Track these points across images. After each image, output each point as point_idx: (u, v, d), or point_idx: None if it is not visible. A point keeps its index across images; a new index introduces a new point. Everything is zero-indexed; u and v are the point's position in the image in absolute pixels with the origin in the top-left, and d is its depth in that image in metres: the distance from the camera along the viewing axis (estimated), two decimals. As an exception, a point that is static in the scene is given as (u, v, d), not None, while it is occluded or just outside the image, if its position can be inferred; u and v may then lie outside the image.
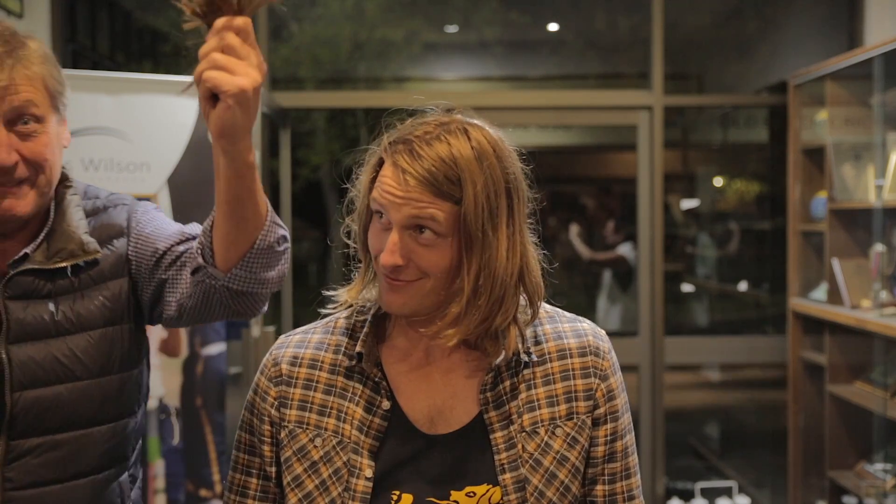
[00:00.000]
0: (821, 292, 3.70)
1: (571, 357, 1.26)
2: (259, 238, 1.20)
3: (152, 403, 2.86)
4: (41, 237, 1.33)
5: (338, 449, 1.22)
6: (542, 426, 1.23)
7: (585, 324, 1.31)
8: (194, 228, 1.40)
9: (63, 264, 1.32)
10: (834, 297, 3.57)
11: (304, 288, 4.39)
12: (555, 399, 1.24)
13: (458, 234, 1.14)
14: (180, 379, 2.96)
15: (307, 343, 1.29)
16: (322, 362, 1.26)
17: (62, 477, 1.31)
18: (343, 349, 1.27)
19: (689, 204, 6.00)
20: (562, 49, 5.20)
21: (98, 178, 2.75)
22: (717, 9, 5.13)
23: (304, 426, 1.24)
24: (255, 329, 3.23)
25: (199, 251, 1.24)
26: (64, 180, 1.40)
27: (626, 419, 1.29)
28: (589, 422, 1.26)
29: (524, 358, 1.24)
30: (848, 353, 3.60)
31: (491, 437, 1.22)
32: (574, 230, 5.32)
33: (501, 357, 1.21)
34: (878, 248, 3.33)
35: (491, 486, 1.21)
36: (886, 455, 3.41)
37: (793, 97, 3.82)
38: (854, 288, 3.50)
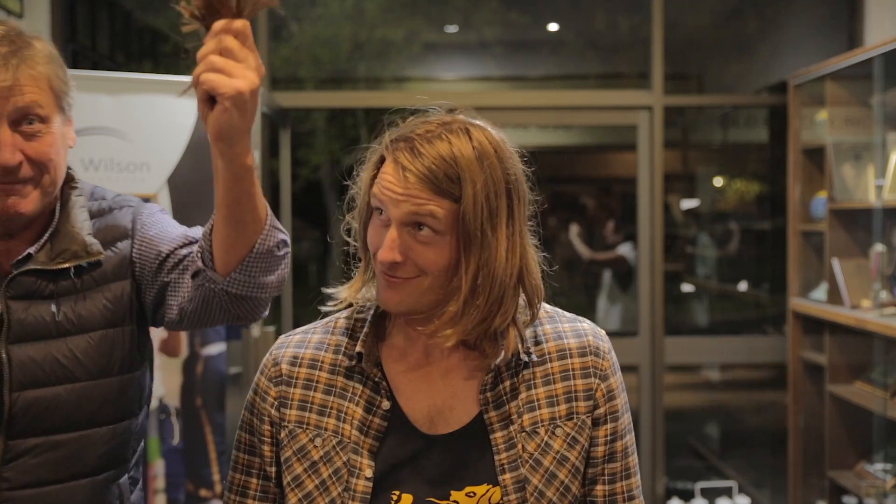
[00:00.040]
0: (821, 292, 3.70)
1: (571, 357, 1.26)
2: (258, 242, 1.19)
3: (152, 403, 2.86)
4: (45, 237, 1.33)
5: (338, 449, 1.22)
6: (542, 426, 1.23)
7: (585, 324, 1.31)
8: (198, 232, 1.40)
9: (66, 265, 1.32)
10: (834, 297, 3.57)
11: (304, 288, 4.39)
12: (555, 399, 1.24)
13: (456, 232, 1.14)
14: (180, 379, 2.96)
15: (307, 343, 1.29)
16: (322, 362, 1.26)
17: (60, 478, 1.31)
18: (343, 349, 1.27)
19: (689, 204, 6.00)
20: (562, 49, 5.20)
21: (98, 178, 2.75)
22: (717, 9, 5.13)
23: (304, 426, 1.24)
24: (255, 329, 3.23)
25: (199, 254, 1.24)
26: (70, 181, 1.40)
27: (626, 419, 1.29)
28: (589, 422, 1.26)
29: (524, 358, 1.24)
30: (848, 353, 3.60)
31: (491, 437, 1.22)
32: (574, 230, 5.32)
33: (500, 358, 1.21)
34: (878, 248, 3.33)
35: (491, 486, 1.21)
36: (886, 455, 3.41)
37: (793, 97, 3.82)
38: (854, 288, 3.50)
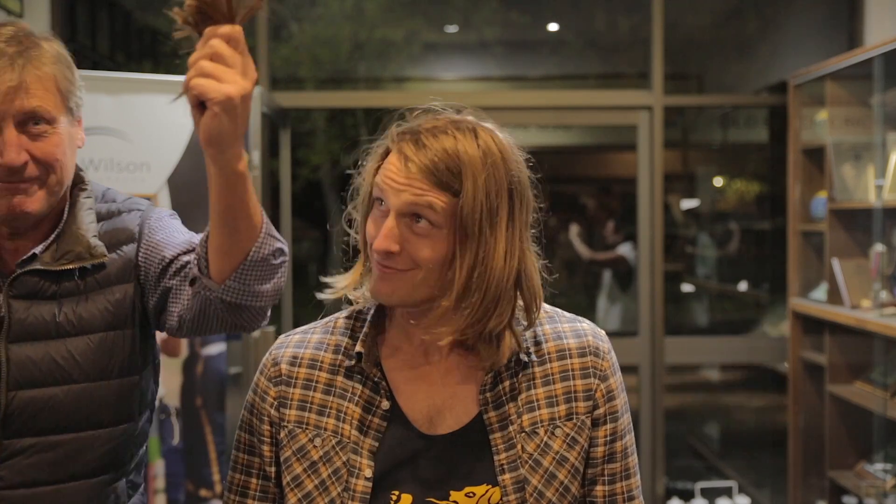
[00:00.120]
0: (821, 292, 3.70)
1: (571, 357, 1.26)
2: (253, 250, 1.18)
3: (152, 403, 2.86)
4: (51, 238, 1.33)
5: (337, 449, 1.22)
6: (542, 427, 1.23)
7: (585, 324, 1.31)
8: None
9: (69, 266, 1.32)
10: (834, 297, 3.57)
11: (304, 288, 4.39)
12: (554, 399, 1.24)
13: (454, 227, 1.14)
14: (180, 379, 2.96)
15: (307, 343, 1.29)
16: (321, 362, 1.26)
17: (54, 479, 1.30)
18: (343, 349, 1.27)
19: (689, 204, 6.00)
20: (562, 49, 5.20)
21: (98, 178, 2.74)
22: (717, 9, 5.13)
23: (304, 426, 1.24)
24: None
25: (195, 261, 1.23)
26: (80, 182, 1.40)
27: (625, 419, 1.29)
28: (588, 422, 1.26)
29: (524, 358, 1.24)
30: (848, 353, 3.60)
31: (490, 437, 1.22)
32: (574, 230, 5.32)
33: (495, 362, 1.21)
34: (878, 248, 3.33)
35: (490, 486, 1.21)
36: (886, 455, 3.41)
37: (793, 97, 3.82)
38: (854, 288, 3.50)
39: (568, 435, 1.24)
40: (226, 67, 1.02)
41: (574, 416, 1.24)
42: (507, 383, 1.24)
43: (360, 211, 1.24)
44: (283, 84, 4.77)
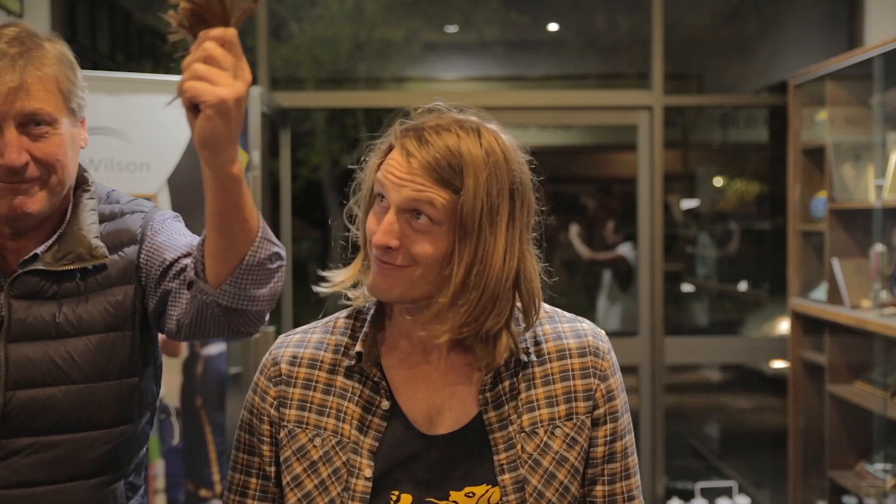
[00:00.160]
0: (821, 292, 3.70)
1: (571, 357, 1.26)
2: (249, 253, 1.17)
3: (152, 403, 2.86)
4: (53, 239, 1.34)
5: (337, 449, 1.22)
6: (542, 426, 1.23)
7: (585, 324, 1.31)
8: None
9: (70, 267, 1.32)
10: (834, 297, 3.57)
11: (304, 288, 4.38)
12: (554, 399, 1.24)
13: (454, 224, 1.14)
14: (180, 379, 2.96)
15: (306, 343, 1.29)
16: (321, 362, 1.26)
17: (51, 479, 1.30)
18: (342, 349, 1.27)
19: (689, 204, 6.00)
20: (562, 49, 5.20)
21: (98, 178, 2.73)
22: (717, 9, 5.13)
23: (304, 426, 1.24)
24: (255, 329, 3.23)
25: (192, 265, 1.22)
26: (83, 183, 1.40)
27: (625, 420, 1.29)
28: (588, 422, 1.26)
29: (524, 358, 1.24)
30: (848, 353, 3.60)
31: (490, 437, 1.22)
32: (574, 230, 5.32)
33: (490, 363, 1.20)
34: (878, 248, 3.33)
35: (490, 486, 1.21)
36: (886, 455, 3.41)
37: (793, 97, 3.82)
38: (854, 288, 3.50)
39: (568, 435, 1.24)
40: (220, 70, 1.02)
41: (574, 416, 1.24)
42: (506, 383, 1.24)
43: (362, 207, 1.24)
44: (283, 84, 4.77)
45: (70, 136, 1.32)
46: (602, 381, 1.27)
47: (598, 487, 1.27)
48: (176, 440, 2.94)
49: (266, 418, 1.26)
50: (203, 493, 2.98)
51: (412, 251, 1.15)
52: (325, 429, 1.23)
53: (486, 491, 1.21)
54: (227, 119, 1.04)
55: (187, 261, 1.32)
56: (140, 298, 1.36)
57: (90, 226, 1.35)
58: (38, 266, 1.32)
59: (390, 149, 1.19)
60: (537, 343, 1.27)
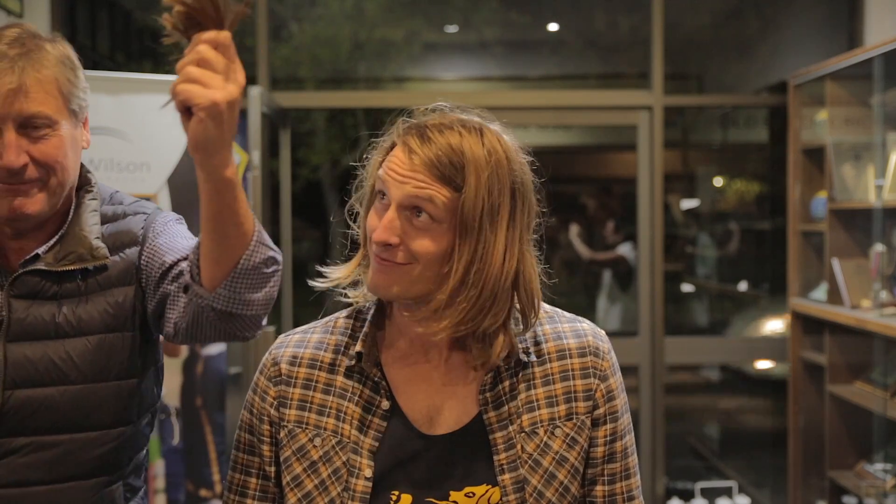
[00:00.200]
0: (821, 292, 3.70)
1: (571, 357, 1.26)
2: (243, 257, 1.16)
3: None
4: (55, 239, 1.34)
5: (337, 449, 1.22)
6: (542, 427, 1.23)
7: (585, 324, 1.31)
8: None
9: (70, 267, 1.32)
10: (834, 297, 3.57)
11: (304, 288, 4.38)
12: (554, 399, 1.24)
13: (454, 222, 1.14)
14: (180, 379, 2.96)
15: (306, 343, 1.29)
16: (321, 362, 1.26)
17: (49, 479, 1.30)
18: (342, 349, 1.27)
19: (689, 204, 6.01)
20: (562, 49, 5.20)
21: (98, 178, 2.75)
22: (717, 9, 5.13)
23: (304, 426, 1.24)
24: (255, 329, 3.22)
25: (188, 268, 1.22)
26: (86, 184, 1.40)
27: (625, 420, 1.29)
28: (588, 422, 1.26)
29: (524, 358, 1.24)
30: (848, 353, 3.60)
31: (490, 437, 1.22)
32: (574, 230, 5.32)
33: (484, 362, 1.20)
34: (878, 248, 3.33)
35: (490, 486, 1.21)
36: (886, 455, 3.41)
37: (793, 97, 3.82)
38: (854, 288, 3.50)
39: (568, 435, 1.24)
40: (213, 73, 1.02)
41: (574, 416, 1.24)
42: (506, 383, 1.24)
43: (363, 205, 1.24)
44: (283, 84, 4.77)
45: (70, 138, 1.32)
46: (602, 381, 1.27)
47: (598, 487, 1.27)
48: (176, 440, 2.94)
49: (266, 418, 1.26)
50: (203, 493, 2.98)
51: (412, 248, 1.15)
52: (325, 429, 1.23)
53: (486, 491, 1.21)
54: (220, 122, 1.03)
55: (185, 264, 1.32)
56: (140, 300, 1.36)
57: (92, 226, 1.36)
58: (39, 266, 1.32)
59: (392, 146, 1.19)
60: (537, 343, 1.27)
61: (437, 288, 1.17)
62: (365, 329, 1.25)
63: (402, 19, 4.97)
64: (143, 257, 1.36)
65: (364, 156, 1.25)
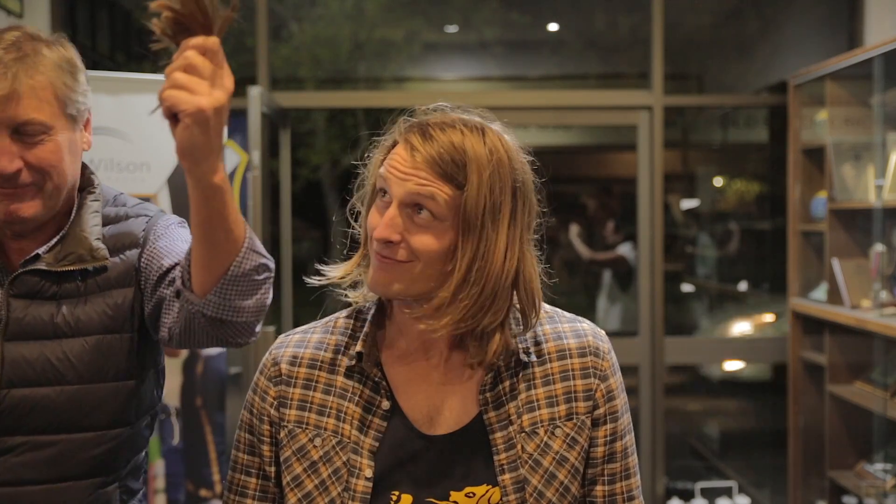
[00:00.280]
0: (821, 292, 3.70)
1: (571, 357, 1.26)
2: (233, 264, 1.15)
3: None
4: (55, 239, 1.34)
5: (337, 449, 1.22)
6: (542, 427, 1.23)
7: (585, 324, 1.31)
8: None
9: (70, 268, 1.32)
10: (834, 297, 3.57)
11: (304, 288, 4.38)
12: (554, 399, 1.24)
13: (456, 220, 1.14)
14: (180, 379, 2.96)
15: (307, 343, 1.29)
16: (321, 362, 1.26)
17: (44, 478, 1.30)
18: (343, 349, 1.27)
19: (689, 204, 6.01)
20: (562, 49, 5.20)
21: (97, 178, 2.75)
22: (717, 9, 5.13)
23: (304, 426, 1.24)
24: (255, 329, 3.23)
25: (180, 274, 1.21)
26: (88, 185, 1.39)
27: (625, 420, 1.29)
28: (588, 422, 1.26)
29: (524, 358, 1.24)
30: (848, 353, 3.60)
31: (490, 437, 1.22)
32: (574, 230, 5.32)
33: (481, 360, 1.20)
34: (878, 248, 3.33)
35: (490, 486, 1.21)
36: (886, 455, 3.41)
37: (793, 97, 3.82)
38: (854, 288, 3.50)
39: (568, 435, 1.24)
40: (199, 79, 1.01)
41: (574, 416, 1.25)
42: (506, 383, 1.24)
43: (364, 203, 1.24)
44: (283, 84, 4.78)
45: (68, 142, 1.31)
46: (602, 381, 1.27)
47: (598, 487, 1.27)
48: (176, 440, 2.94)
49: (266, 418, 1.26)
50: (203, 493, 2.98)
51: (413, 245, 1.15)
52: (326, 429, 1.23)
53: (487, 491, 1.21)
54: (206, 128, 1.03)
55: (179, 269, 1.32)
56: (139, 302, 1.36)
57: (92, 227, 1.36)
58: (39, 266, 1.32)
59: (394, 145, 1.20)
60: (537, 343, 1.27)
61: (437, 286, 1.17)
62: (365, 329, 1.25)
63: (402, 19, 4.97)
64: (142, 260, 1.36)
65: (365, 155, 1.26)
